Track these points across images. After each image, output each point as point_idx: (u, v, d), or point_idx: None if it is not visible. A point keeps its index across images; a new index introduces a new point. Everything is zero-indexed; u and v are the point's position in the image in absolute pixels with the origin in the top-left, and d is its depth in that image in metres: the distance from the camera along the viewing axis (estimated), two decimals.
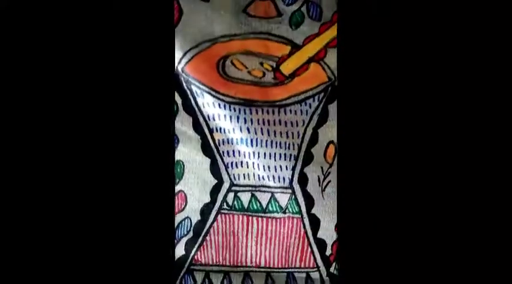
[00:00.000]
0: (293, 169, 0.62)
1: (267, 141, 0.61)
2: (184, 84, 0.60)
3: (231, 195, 0.62)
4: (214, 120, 0.61)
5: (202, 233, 0.63)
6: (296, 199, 0.62)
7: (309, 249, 0.63)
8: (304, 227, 0.63)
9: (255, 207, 0.63)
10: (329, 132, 0.62)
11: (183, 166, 0.62)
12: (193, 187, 0.62)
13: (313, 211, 0.63)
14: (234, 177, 0.62)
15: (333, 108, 0.62)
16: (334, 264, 0.64)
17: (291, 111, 0.62)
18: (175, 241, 0.62)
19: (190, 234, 0.63)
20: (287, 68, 0.63)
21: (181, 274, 0.63)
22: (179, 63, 0.59)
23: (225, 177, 0.62)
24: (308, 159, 0.63)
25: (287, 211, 0.62)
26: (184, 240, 0.63)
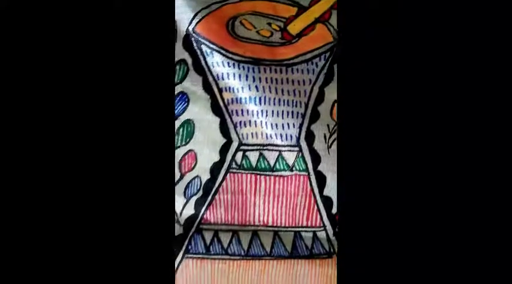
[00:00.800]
0: (300, 127, 0.64)
1: (274, 99, 0.63)
2: (194, 44, 0.62)
3: (239, 154, 0.64)
4: (223, 79, 0.62)
5: (212, 192, 0.64)
6: (303, 156, 0.64)
7: (316, 207, 0.65)
8: (311, 184, 0.64)
9: (263, 166, 0.64)
10: (335, 90, 0.64)
11: (193, 125, 0.63)
12: (203, 146, 0.63)
13: (320, 168, 0.64)
14: (243, 136, 0.63)
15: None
16: None
17: (298, 70, 0.63)
18: (185, 201, 0.64)
19: (200, 193, 0.64)
20: (294, 28, 0.64)
21: (191, 234, 0.64)
22: (190, 24, 0.61)
23: (233, 136, 0.63)
24: (315, 117, 0.64)
25: (294, 169, 0.64)
26: (194, 199, 0.64)
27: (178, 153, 0.63)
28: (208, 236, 0.65)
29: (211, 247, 0.65)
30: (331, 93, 0.64)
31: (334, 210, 0.64)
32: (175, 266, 0.63)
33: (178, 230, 0.64)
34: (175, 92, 0.62)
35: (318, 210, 0.65)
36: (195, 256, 0.65)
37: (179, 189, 0.64)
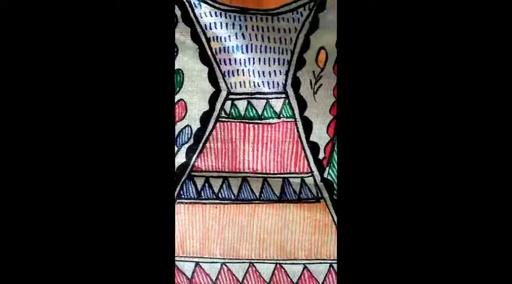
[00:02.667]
0: (286, 73, 0.66)
1: (261, 46, 0.65)
2: None
3: (228, 103, 0.66)
4: (211, 29, 0.64)
5: (202, 141, 0.67)
6: (290, 103, 0.66)
7: (303, 153, 0.67)
8: (298, 131, 0.67)
9: (251, 114, 0.66)
10: (320, 38, 0.66)
11: (183, 74, 0.65)
12: (193, 95, 0.66)
13: (306, 114, 0.67)
14: (231, 85, 0.66)
15: (322, 16, 0.65)
16: (327, 169, 0.68)
17: (283, 19, 0.65)
18: (176, 149, 0.66)
19: (191, 141, 0.67)
20: None
21: (182, 180, 0.67)
22: None
23: (222, 85, 0.66)
24: (300, 63, 0.66)
25: (281, 116, 0.66)
26: (185, 147, 0.67)
27: None
28: (199, 182, 0.68)
29: (202, 192, 0.68)
30: (317, 40, 0.66)
31: (321, 155, 0.67)
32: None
33: None
34: None
35: (305, 155, 0.67)
36: (186, 201, 0.68)
37: None
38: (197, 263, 0.69)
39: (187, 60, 0.65)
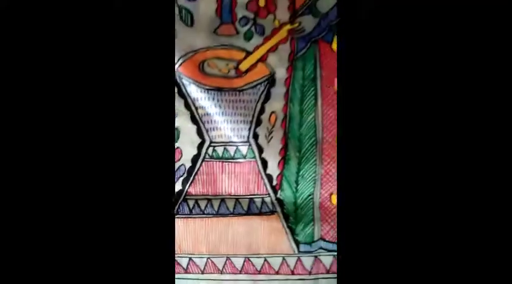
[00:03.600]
0: (249, 129, 0.81)
1: (232, 112, 0.81)
2: (178, 79, 0.79)
3: (210, 149, 0.82)
4: (198, 101, 0.81)
5: (193, 174, 0.82)
6: (252, 149, 0.82)
7: (262, 181, 0.82)
8: (258, 167, 0.82)
9: (226, 156, 0.82)
10: (271, 105, 0.81)
11: (179, 131, 0.81)
12: (186, 144, 0.82)
13: (263, 155, 0.83)
14: (212, 137, 0.82)
15: (273, 90, 0.81)
16: (279, 192, 0.82)
17: (247, 93, 0.80)
18: (175, 180, 0.81)
19: (185, 175, 0.82)
20: (243, 66, 0.81)
21: (179, 202, 0.82)
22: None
23: (206, 137, 0.81)
24: (258, 123, 0.81)
25: (246, 157, 0.82)
26: (181, 179, 0.82)
27: None
28: (191, 203, 0.82)
29: (193, 210, 0.82)
30: (269, 107, 0.81)
31: (274, 183, 0.82)
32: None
33: None
34: None
35: (264, 183, 0.83)
36: (182, 216, 0.82)
37: None
38: (190, 258, 0.82)
39: (182, 121, 0.80)
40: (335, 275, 0.80)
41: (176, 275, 0.80)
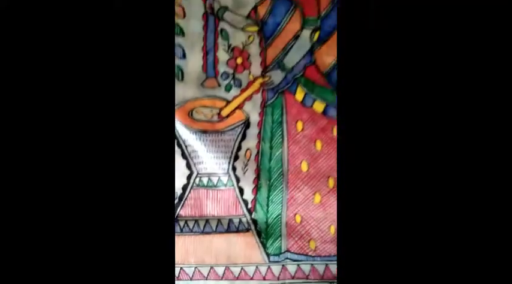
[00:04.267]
0: (229, 163, 0.98)
1: (214, 150, 0.98)
2: None
3: (197, 179, 0.99)
4: (187, 141, 0.99)
5: (183, 200, 0.99)
6: (231, 179, 0.99)
7: (239, 205, 0.99)
8: (236, 193, 0.99)
9: (210, 184, 0.99)
10: (246, 143, 0.97)
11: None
12: (178, 175, 0.99)
13: (240, 184, 0.99)
14: (199, 169, 1.00)
15: (248, 132, 0.97)
16: (253, 213, 0.98)
17: (227, 134, 0.97)
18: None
19: (177, 200, 0.99)
20: (224, 112, 0.98)
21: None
22: None
23: (194, 169, 0.99)
24: (236, 158, 0.98)
25: (227, 185, 0.99)
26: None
27: None
28: (181, 223, 0.98)
29: (183, 229, 0.98)
30: (245, 145, 0.97)
31: (249, 206, 1.00)
32: None
33: None
34: None
35: (241, 206, 0.99)
36: (175, 234, 0.98)
37: None
38: (181, 268, 0.96)
39: (176, 158, 1.00)
40: (299, 281, 0.97)
41: None
